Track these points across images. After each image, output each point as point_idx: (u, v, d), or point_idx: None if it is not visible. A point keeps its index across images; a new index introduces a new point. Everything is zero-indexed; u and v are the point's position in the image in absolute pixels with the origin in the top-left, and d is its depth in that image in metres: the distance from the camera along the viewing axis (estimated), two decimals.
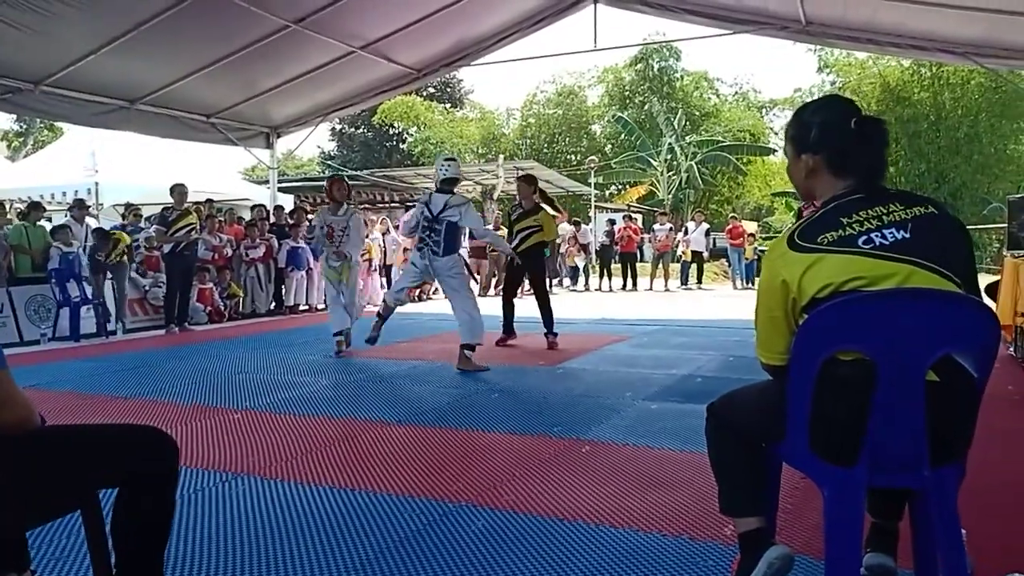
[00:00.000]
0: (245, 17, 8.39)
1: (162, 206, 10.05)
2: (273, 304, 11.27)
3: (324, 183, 7.92)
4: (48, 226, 9.46)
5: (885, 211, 1.71)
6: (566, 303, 13.23)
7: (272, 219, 11.93)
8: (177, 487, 1.77)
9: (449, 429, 4.04)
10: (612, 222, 17.27)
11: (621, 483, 3.04)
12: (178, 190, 9.03)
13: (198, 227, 9.34)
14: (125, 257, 9.14)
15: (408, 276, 6.43)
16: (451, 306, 6.03)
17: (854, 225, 1.70)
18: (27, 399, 1.53)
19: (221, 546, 2.47)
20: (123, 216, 11.76)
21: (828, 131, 1.83)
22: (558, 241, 15.10)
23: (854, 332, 1.63)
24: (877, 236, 1.67)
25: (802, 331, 1.69)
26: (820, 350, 1.67)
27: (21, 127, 30.55)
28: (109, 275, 8.95)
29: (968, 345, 1.66)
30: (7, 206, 10.57)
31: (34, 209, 9.19)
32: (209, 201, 11.51)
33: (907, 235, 1.67)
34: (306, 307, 11.64)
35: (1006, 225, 6.97)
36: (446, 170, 6.07)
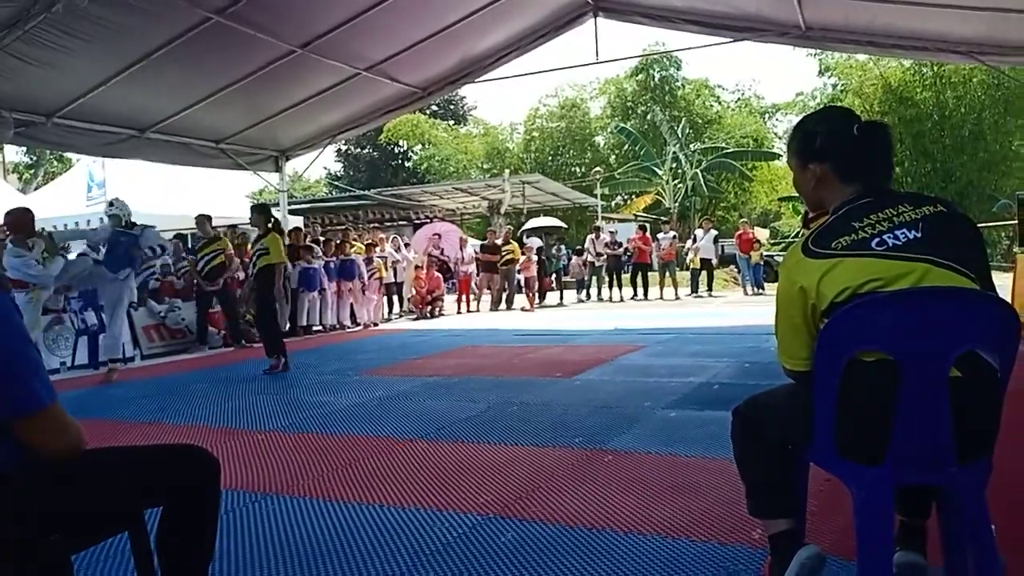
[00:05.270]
0: (252, 44, 8.51)
1: (175, 231, 10.22)
2: (287, 325, 11.32)
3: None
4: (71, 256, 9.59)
5: (895, 212, 1.75)
6: (577, 315, 13.27)
7: (289, 240, 12.02)
8: (220, 503, 1.81)
9: (471, 443, 4.07)
10: (613, 232, 17.28)
11: (647, 491, 3.06)
12: (198, 220, 9.74)
13: (227, 252, 9.61)
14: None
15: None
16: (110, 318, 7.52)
17: (866, 229, 1.73)
18: (78, 425, 1.58)
19: (257, 564, 2.51)
20: None
21: (832, 139, 1.88)
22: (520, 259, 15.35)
23: (875, 333, 1.66)
24: (890, 238, 1.71)
25: (824, 335, 1.72)
26: (842, 352, 1.69)
27: (31, 159, 30.95)
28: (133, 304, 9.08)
29: (988, 340, 1.68)
30: None
31: (47, 240, 9.31)
32: (233, 227, 11.72)
33: (919, 234, 1.70)
34: (319, 327, 11.70)
35: (1016, 222, 6.97)
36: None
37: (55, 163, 30.21)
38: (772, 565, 1.92)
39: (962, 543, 1.85)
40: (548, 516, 2.83)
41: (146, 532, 1.77)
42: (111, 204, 7.73)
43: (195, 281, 9.73)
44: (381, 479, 3.45)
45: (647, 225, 18.20)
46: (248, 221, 9.14)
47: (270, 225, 7.62)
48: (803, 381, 1.82)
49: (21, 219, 6.79)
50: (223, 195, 14.79)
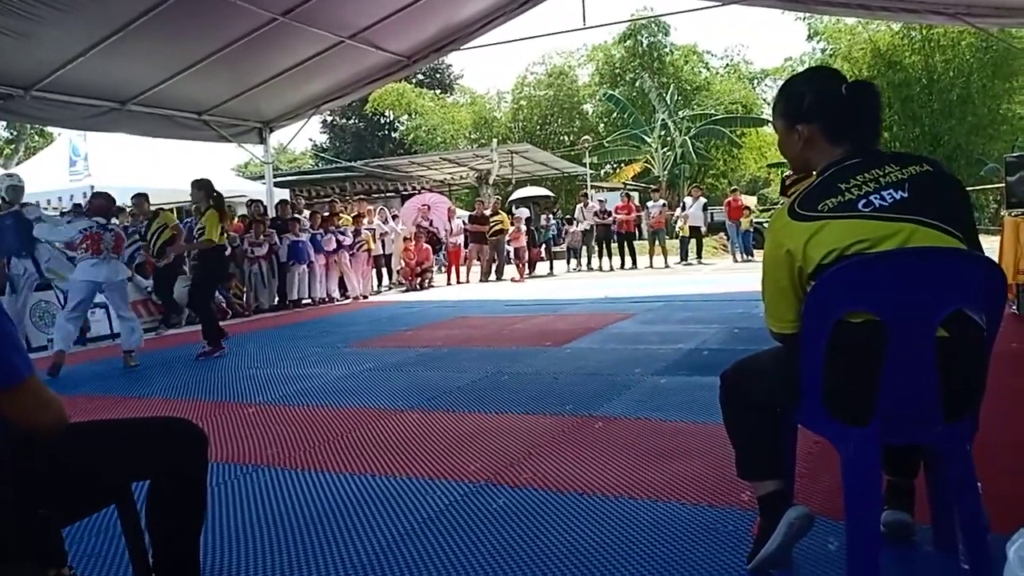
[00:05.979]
0: (231, 11, 8.36)
1: (157, 206, 10.08)
2: (276, 299, 11.28)
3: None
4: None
5: (882, 173, 1.74)
6: (567, 284, 13.28)
7: (276, 213, 11.91)
8: (208, 475, 1.80)
9: (462, 413, 4.08)
10: (602, 201, 17.21)
11: (637, 456, 3.08)
12: (135, 200, 9.52)
13: (172, 225, 9.16)
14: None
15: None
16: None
17: (852, 190, 1.72)
18: (60, 399, 1.56)
19: (248, 536, 2.52)
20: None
21: (820, 99, 1.85)
22: (510, 229, 15.06)
23: (862, 293, 1.66)
24: (876, 198, 1.70)
25: (811, 297, 1.71)
26: (829, 314, 1.69)
27: (12, 134, 30.47)
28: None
29: (975, 299, 1.69)
30: None
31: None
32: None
33: (905, 194, 1.69)
34: (309, 300, 11.66)
35: (1004, 185, 6.98)
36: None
37: (36, 137, 29.76)
38: (761, 526, 1.94)
39: (948, 500, 1.88)
40: (539, 482, 2.84)
41: (134, 506, 1.77)
42: (10, 176, 7.45)
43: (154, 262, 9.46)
44: (373, 450, 3.45)
45: (631, 194, 18.10)
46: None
47: (211, 201, 6.88)
48: (790, 343, 1.82)
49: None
50: (208, 168, 14.59)
